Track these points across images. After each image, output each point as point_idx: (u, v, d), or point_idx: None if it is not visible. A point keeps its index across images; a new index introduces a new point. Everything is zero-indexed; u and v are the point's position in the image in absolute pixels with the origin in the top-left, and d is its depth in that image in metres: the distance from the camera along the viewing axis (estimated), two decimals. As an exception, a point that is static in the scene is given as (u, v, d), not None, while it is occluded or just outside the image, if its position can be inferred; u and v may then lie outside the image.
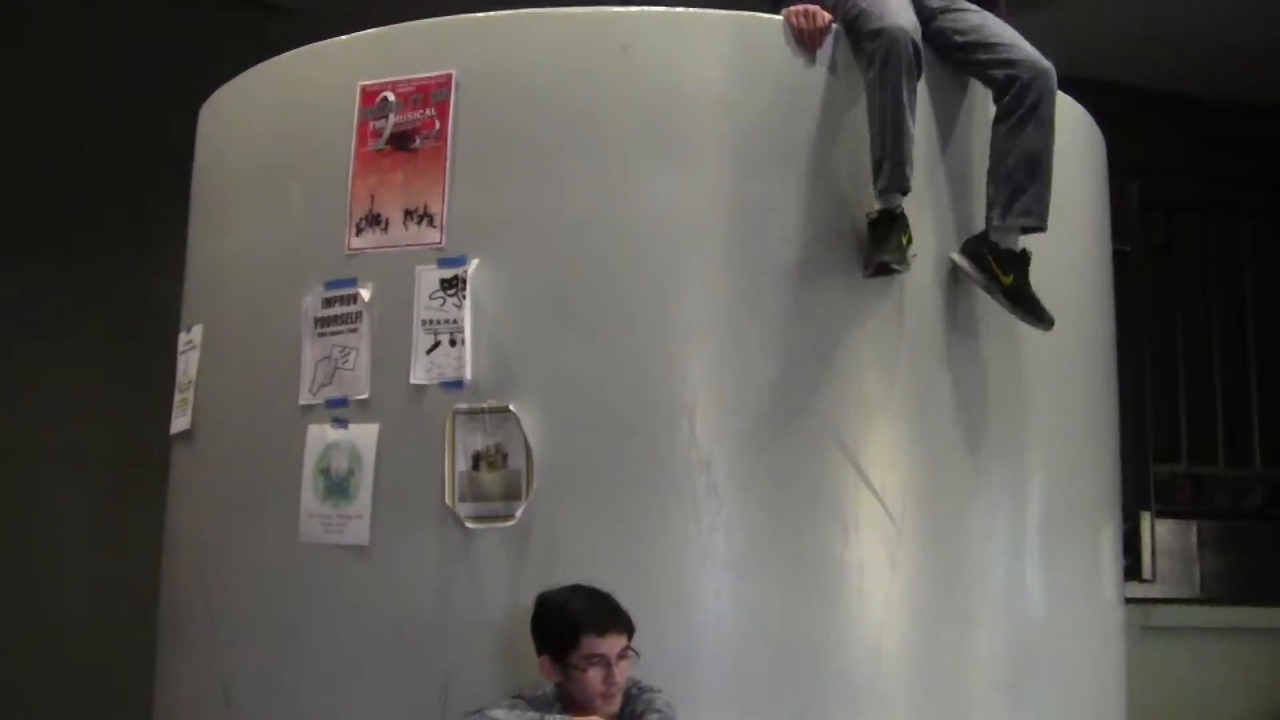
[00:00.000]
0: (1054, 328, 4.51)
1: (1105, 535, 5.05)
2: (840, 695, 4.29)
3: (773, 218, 4.40)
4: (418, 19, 4.65)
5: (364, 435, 4.38)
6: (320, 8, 8.68)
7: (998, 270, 4.45)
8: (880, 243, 4.33)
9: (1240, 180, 9.51)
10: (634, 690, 3.92)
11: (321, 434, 4.45)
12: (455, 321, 4.31)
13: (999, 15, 4.74)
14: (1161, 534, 8.37)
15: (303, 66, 4.86)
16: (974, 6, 4.71)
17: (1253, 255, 9.24)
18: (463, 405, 4.27)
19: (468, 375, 4.28)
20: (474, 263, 4.33)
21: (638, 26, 4.52)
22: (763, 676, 4.22)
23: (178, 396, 4.99)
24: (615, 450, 4.26)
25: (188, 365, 4.96)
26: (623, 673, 3.84)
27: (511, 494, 4.22)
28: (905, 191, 4.36)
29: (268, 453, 4.58)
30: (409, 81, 4.51)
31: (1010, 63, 4.54)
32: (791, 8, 4.52)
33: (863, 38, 4.44)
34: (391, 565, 4.31)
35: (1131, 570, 7.67)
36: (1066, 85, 4.92)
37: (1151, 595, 8.09)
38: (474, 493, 4.24)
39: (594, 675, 3.81)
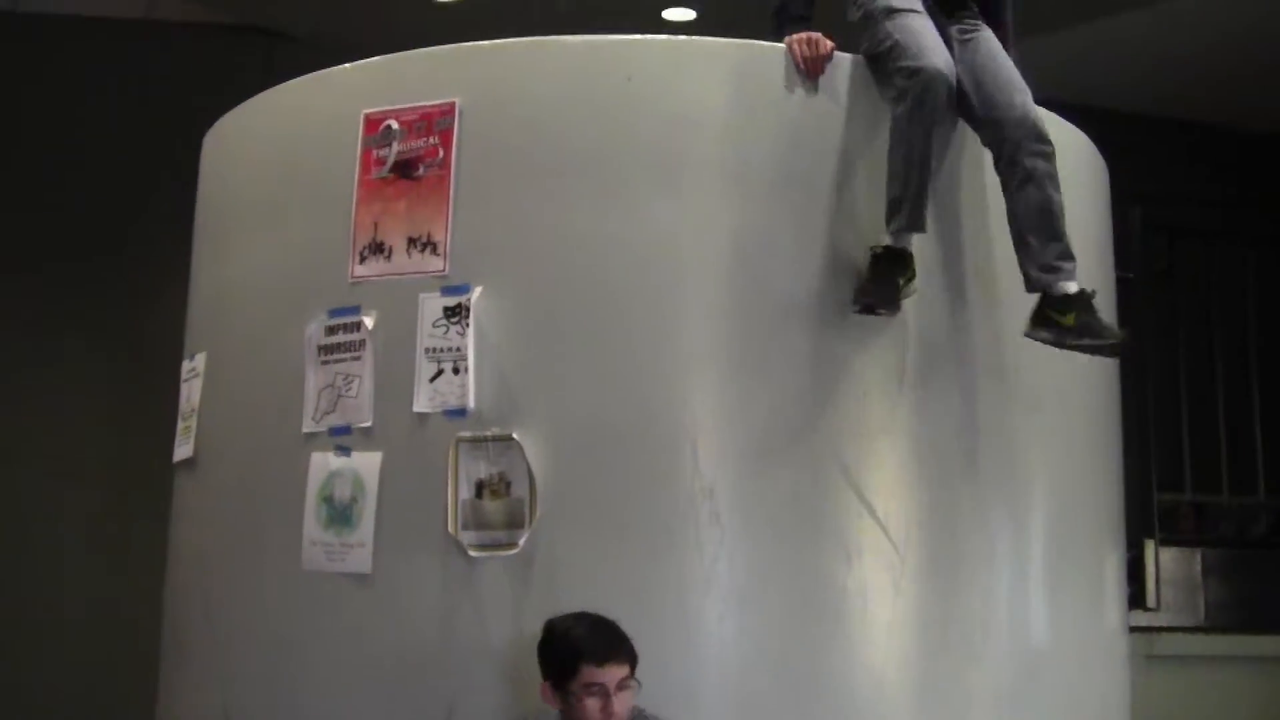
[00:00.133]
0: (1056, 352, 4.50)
1: (1109, 563, 5.04)
2: (844, 723, 4.29)
3: (775, 245, 4.40)
4: (421, 47, 4.66)
5: (367, 463, 4.38)
6: (324, 35, 8.73)
7: (1061, 320, 4.36)
8: (878, 279, 4.32)
9: (1243, 206, 9.53)
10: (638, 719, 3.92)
11: (324, 462, 4.45)
12: (458, 349, 4.31)
13: (1006, 41, 4.71)
14: (1165, 562, 8.36)
15: (307, 94, 4.87)
16: (982, 30, 4.65)
17: (1256, 281, 9.25)
18: (466, 433, 4.27)
19: (471, 403, 4.28)
20: (477, 291, 4.33)
21: (641, 55, 4.53)
22: (765, 704, 4.21)
23: (181, 424, 4.99)
24: (618, 478, 4.25)
25: (191, 393, 4.96)
26: (622, 703, 3.83)
27: (515, 522, 4.21)
28: (921, 232, 4.37)
29: (270, 480, 4.58)
30: (413, 109, 4.51)
31: (999, 123, 4.47)
32: (795, 35, 4.53)
33: (895, 73, 4.41)
34: (394, 593, 4.30)
35: (1136, 599, 7.67)
36: (1069, 111, 4.93)
37: (1156, 624, 8.07)
38: (477, 521, 4.23)
39: (592, 704, 3.80)
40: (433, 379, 4.33)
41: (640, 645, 3.90)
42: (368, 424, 4.42)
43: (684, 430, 4.27)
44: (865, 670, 4.31)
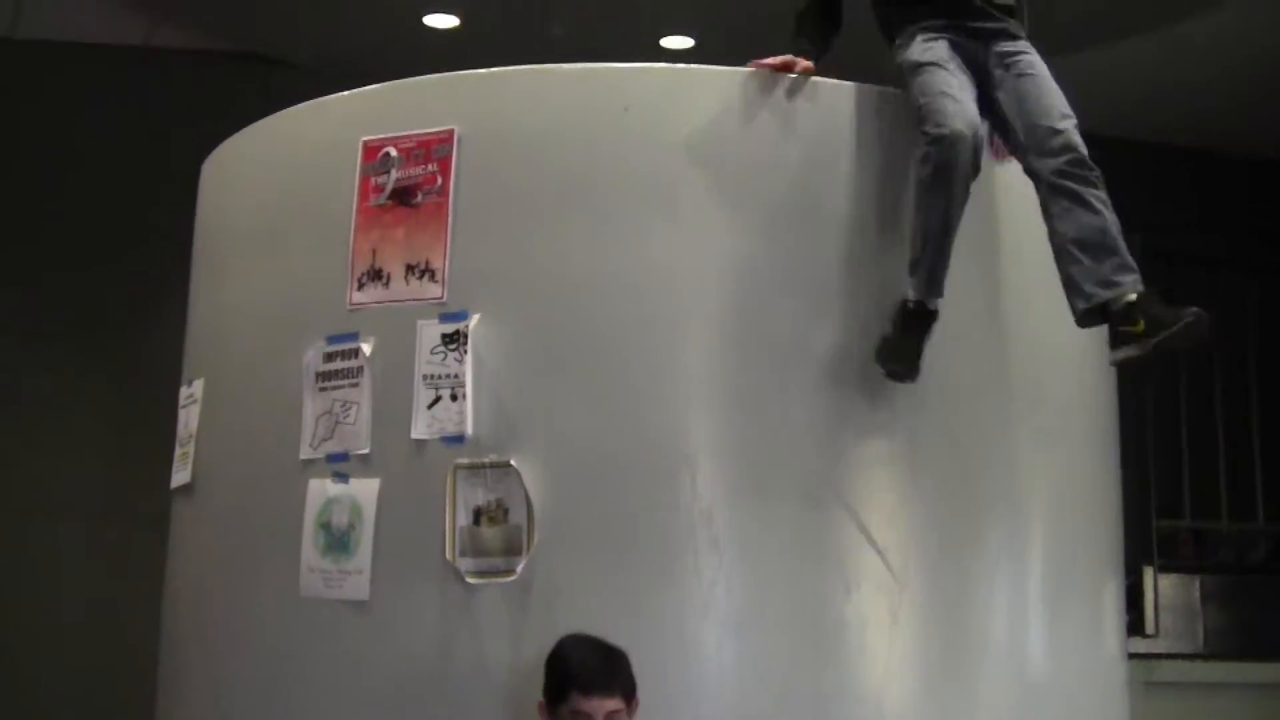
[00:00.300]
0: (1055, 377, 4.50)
1: (1108, 590, 5.03)
2: (842, 751, 4.28)
3: (774, 274, 4.40)
4: (419, 75, 4.67)
5: (365, 490, 4.38)
6: (323, 63, 8.76)
7: (1134, 329, 4.21)
8: (901, 338, 4.32)
9: (1243, 233, 9.54)
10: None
11: (322, 488, 4.45)
12: (456, 376, 4.31)
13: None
14: (1164, 589, 8.35)
15: (305, 121, 4.88)
16: (1025, 53, 4.55)
17: (1256, 308, 9.25)
18: (464, 460, 4.27)
19: (469, 430, 4.28)
20: (475, 318, 4.34)
21: (639, 83, 4.54)
22: (764, 732, 4.21)
23: (178, 450, 4.98)
24: (616, 504, 4.25)
25: (189, 419, 4.96)
26: None
27: (512, 549, 4.21)
28: (939, 297, 4.35)
29: (268, 507, 4.58)
30: (411, 137, 4.52)
31: (1042, 149, 4.37)
32: (770, 59, 4.56)
33: (921, 136, 4.37)
34: (392, 620, 4.29)
35: (1134, 625, 7.66)
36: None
37: (1155, 650, 8.06)
38: (475, 548, 4.23)
39: None
40: (430, 406, 4.33)
41: (638, 670, 3.89)
42: (365, 451, 4.42)
43: (682, 457, 4.26)
44: (863, 698, 4.30)
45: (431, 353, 4.35)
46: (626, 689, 3.85)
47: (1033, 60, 4.54)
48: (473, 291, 4.37)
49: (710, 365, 4.36)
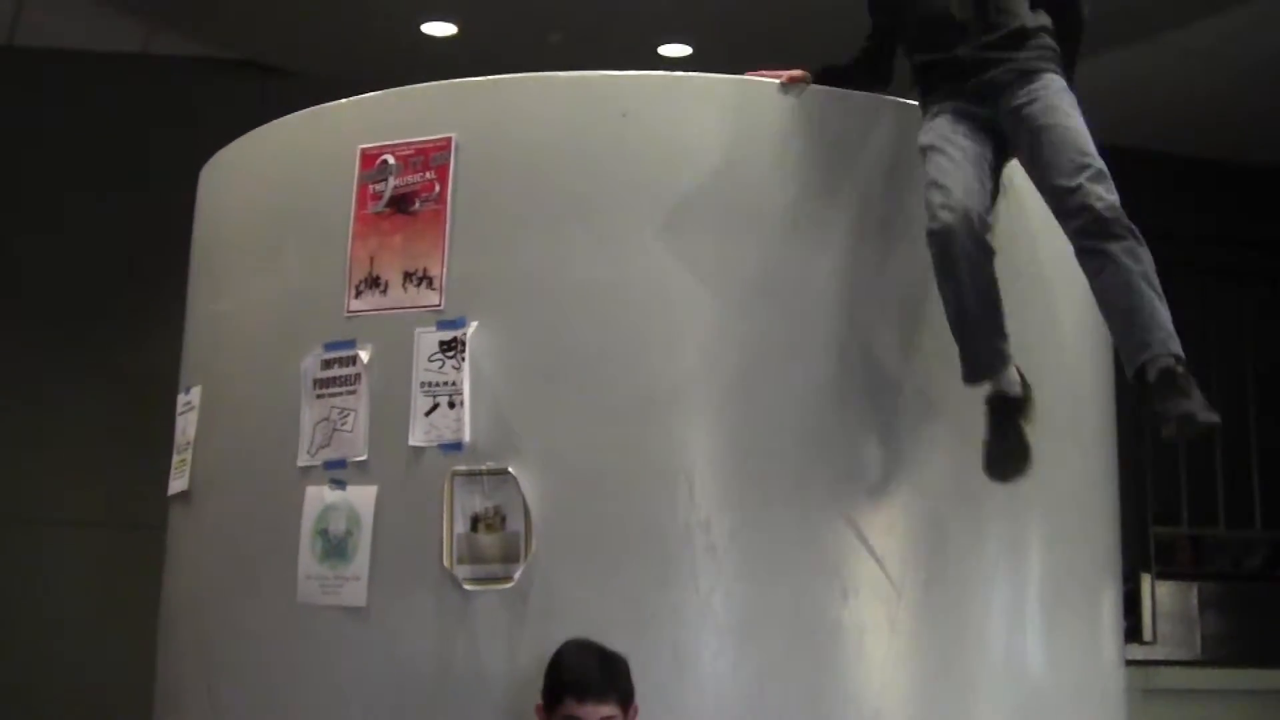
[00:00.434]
0: (1052, 385, 4.50)
1: (1105, 597, 5.03)
2: (840, 758, 4.27)
3: (773, 282, 4.41)
4: (416, 83, 4.67)
5: (362, 497, 4.37)
6: (321, 71, 8.76)
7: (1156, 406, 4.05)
8: (995, 434, 4.23)
9: (1241, 242, 9.55)
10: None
11: (319, 495, 4.45)
12: (454, 384, 4.31)
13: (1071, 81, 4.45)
14: (1162, 596, 8.35)
15: (302, 129, 4.88)
16: (1040, 97, 4.29)
17: (1253, 316, 9.26)
18: (461, 467, 4.27)
19: (466, 437, 4.28)
20: (473, 325, 4.34)
21: (637, 91, 4.54)
22: (762, 740, 4.21)
23: (176, 458, 4.98)
24: (614, 512, 4.25)
25: (186, 426, 4.96)
26: None
27: (510, 556, 4.21)
28: (991, 378, 4.24)
29: (265, 514, 4.57)
30: (408, 144, 4.52)
31: (1059, 207, 4.19)
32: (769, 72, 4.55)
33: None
34: (389, 627, 4.29)
35: (1132, 632, 7.66)
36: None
37: (1153, 657, 8.07)
38: (472, 554, 4.23)
39: None
40: (428, 413, 4.33)
41: (636, 678, 3.90)
42: (363, 458, 4.42)
43: (680, 464, 4.27)
44: (861, 706, 4.30)
45: (429, 360, 4.35)
46: (623, 695, 3.85)
47: (1046, 104, 4.27)
48: (470, 299, 4.37)
49: (707, 372, 4.35)
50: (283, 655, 4.46)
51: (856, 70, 4.71)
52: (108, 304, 8.93)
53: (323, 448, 4.48)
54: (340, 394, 4.47)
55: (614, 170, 4.44)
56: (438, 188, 4.46)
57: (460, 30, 8.87)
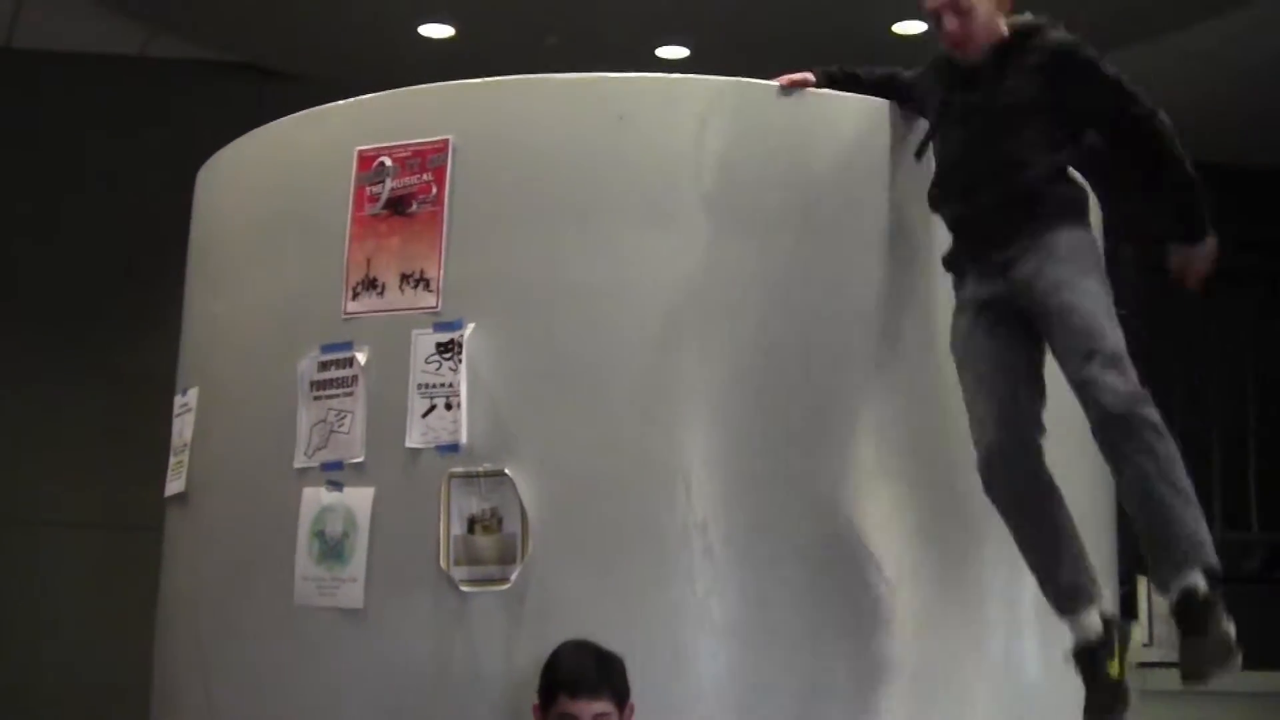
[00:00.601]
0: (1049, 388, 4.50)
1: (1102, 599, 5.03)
2: (837, 761, 4.28)
3: (770, 283, 4.41)
4: (414, 84, 4.67)
5: (359, 498, 4.37)
6: (318, 73, 8.76)
7: (1190, 630, 3.92)
8: (1087, 687, 4.01)
9: (1239, 244, 9.53)
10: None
11: (316, 497, 4.45)
12: (451, 385, 4.31)
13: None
14: (1159, 598, 8.33)
15: (300, 131, 4.88)
16: (1040, 275, 4.07)
17: (1252, 319, 9.27)
18: (458, 469, 4.27)
19: (463, 439, 4.28)
20: (470, 327, 4.34)
21: (634, 93, 4.55)
22: (759, 741, 4.21)
23: (173, 459, 4.98)
24: (611, 513, 4.25)
25: (183, 428, 4.96)
26: None
27: (506, 557, 4.21)
28: (1070, 616, 4.04)
29: (262, 515, 4.57)
30: (406, 146, 4.52)
31: (1081, 401, 3.99)
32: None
33: None
34: (386, 628, 4.29)
35: (1129, 634, 7.65)
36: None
37: (1149, 659, 8.05)
38: (469, 556, 4.23)
39: None
40: (425, 415, 4.33)
41: (633, 680, 3.90)
42: (360, 459, 4.42)
43: (677, 465, 4.27)
44: (859, 706, 4.30)
45: (426, 362, 4.36)
46: (617, 694, 3.86)
47: (1054, 279, 4.07)
48: (467, 301, 4.37)
49: (704, 374, 4.36)
50: (279, 656, 4.46)
51: (870, 90, 4.64)
52: (105, 305, 8.94)
53: (319, 449, 4.48)
54: (337, 396, 4.47)
55: (611, 172, 4.44)
56: (435, 189, 4.46)
57: (457, 32, 8.88)
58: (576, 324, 4.35)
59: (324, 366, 4.51)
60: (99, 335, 8.94)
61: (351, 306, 4.51)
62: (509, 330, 4.35)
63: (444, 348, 4.34)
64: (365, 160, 4.57)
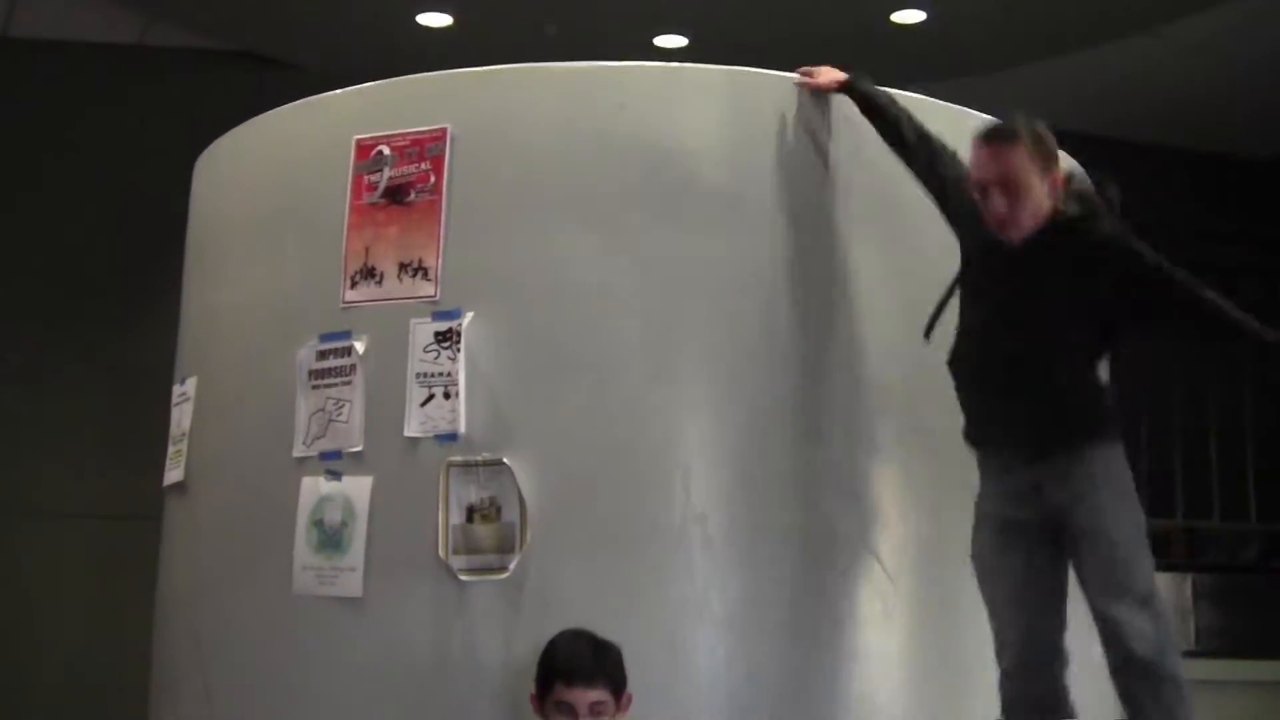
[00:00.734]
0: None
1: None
2: (835, 751, 4.28)
3: (770, 273, 4.41)
4: (412, 73, 4.67)
5: (358, 487, 4.38)
6: (316, 62, 8.75)
7: None
8: None
9: (1238, 236, 9.55)
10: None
11: (315, 486, 4.45)
12: (449, 374, 4.31)
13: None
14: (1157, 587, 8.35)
15: (298, 120, 4.88)
16: (1068, 506, 3.91)
17: (1249, 310, 9.27)
18: (456, 458, 4.27)
19: (461, 428, 4.28)
20: (468, 316, 4.34)
21: (633, 82, 4.54)
22: (757, 730, 4.21)
23: (171, 448, 4.98)
24: (610, 503, 4.25)
25: (181, 417, 4.96)
26: None
27: (505, 546, 4.21)
28: None
29: (261, 504, 4.58)
30: (404, 135, 4.52)
31: (1102, 636, 3.85)
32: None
33: None
34: (385, 617, 4.29)
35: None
36: (1065, 139, 4.93)
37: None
38: (467, 545, 4.23)
39: None
40: (423, 404, 4.33)
41: (631, 671, 3.91)
42: (358, 448, 4.42)
43: (676, 455, 4.27)
44: (857, 699, 4.31)
45: (424, 351, 4.36)
46: (613, 682, 3.87)
47: (1091, 504, 3.91)
48: (466, 290, 4.37)
49: (704, 364, 4.36)
50: (278, 645, 4.46)
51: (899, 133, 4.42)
52: (102, 295, 8.93)
53: (318, 438, 4.48)
54: (335, 385, 4.47)
55: (610, 162, 4.44)
56: (433, 178, 4.46)
57: (455, 21, 8.87)
58: (575, 312, 4.35)
59: (322, 355, 4.51)
60: (96, 325, 8.93)
61: (350, 295, 4.51)
62: (507, 319, 4.35)
63: (442, 337, 4.34)
64: (363, 149, 4.57)
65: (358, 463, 4.41)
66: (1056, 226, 4.01)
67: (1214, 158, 10.33)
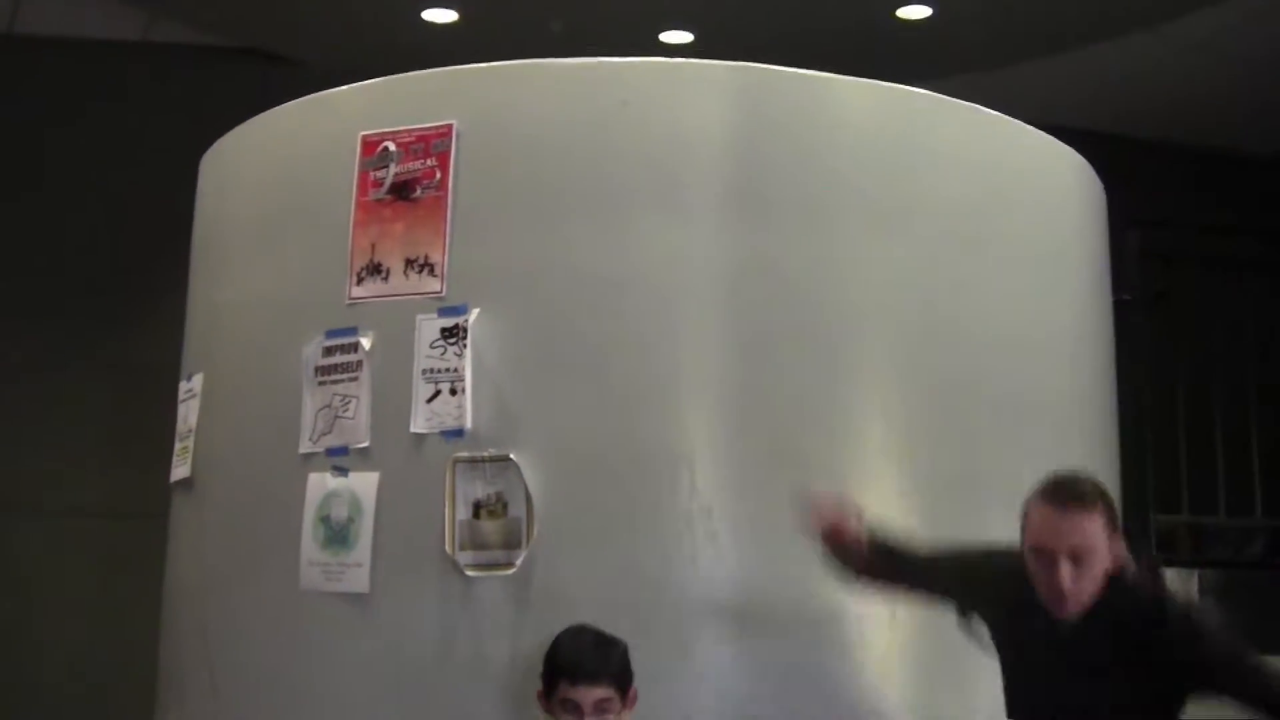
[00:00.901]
0: (1054, 372, 4.49)
1: (1106, 584, 5.03)
2: (841, 745, 4.28)
3: (775, 269, 4.41)
4: (417, 70, 4.67)
5: (364, 483, 4.38)
6: (321, 58, 8.75)
7: None
8: None
9: (1240, 231, 9.54)
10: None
11: (322, 482, 4.45)
12: (455, 370, 4.31)
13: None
14: (1174, 583, 8.34)
15: (304, 117, 4.88)
16: None
17: (1253, 305, 9.25)
18: (463, 454, 4.28)
19: (468, 424, 4.28)
20: (474, 312, 4.34)
21: (638, 78, 4.54)
22: (763, 726, 4.21)
23: (178, 445, 4.99)
24: (615, 498, 4.26)
25: (188, 414, 4.97)
26: None
27: (511, 542, 4.21)
28: None
29: (268, 501, 4.58)
30: (410, 132, 4.52)
31: None
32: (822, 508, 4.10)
33: None
34: (391, 613, 4.30)
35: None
36: (1067, 135, 4.94)
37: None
38: (474, 541, 4.24)
39: None
40: (430, 400, 4.33)
41: (637, 665, 3.91)
42: (365, 444, 4.42)
43: (681, 451, 4.27)
44: (862, 694, 4.31)
45: (431, 347, 4.36)
46: (619, 679, 3.86)
47: None
48: (472, 286, 4.37)
49: (708, 359, 4.36)
50: (285, 641, 4.47)
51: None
52: (105, 292, 8.93)
53: (325, 435, 4.48)
54: (342, 381, 4.47)
55: (615, 157, 4.44)
56: (439, 175, 4.46)
57: (461, 17, 8.86)
58: (580, 308, 4.35)
59: (329, 352, 4.51)
60: (99, 323, 8.94)
61: (356, 292, 4.51)
62: (513, 315, 4.35)
63: (448, 333, 4.34)
64: (369, 145, 4.57)
65: (364, 459, 4.41)
66: (1108, 588, 3.61)
67: (1215, 154, 10.33)
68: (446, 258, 4.41)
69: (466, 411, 4.28)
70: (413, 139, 4.52)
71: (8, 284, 8.81)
